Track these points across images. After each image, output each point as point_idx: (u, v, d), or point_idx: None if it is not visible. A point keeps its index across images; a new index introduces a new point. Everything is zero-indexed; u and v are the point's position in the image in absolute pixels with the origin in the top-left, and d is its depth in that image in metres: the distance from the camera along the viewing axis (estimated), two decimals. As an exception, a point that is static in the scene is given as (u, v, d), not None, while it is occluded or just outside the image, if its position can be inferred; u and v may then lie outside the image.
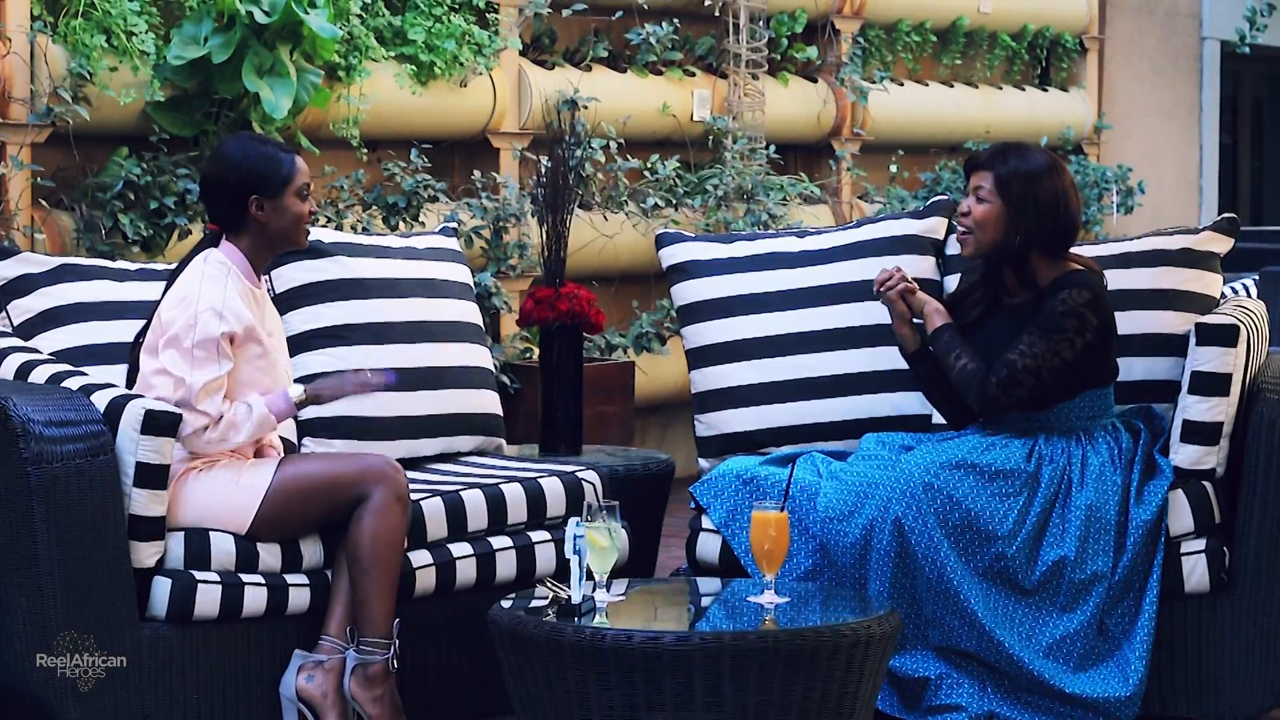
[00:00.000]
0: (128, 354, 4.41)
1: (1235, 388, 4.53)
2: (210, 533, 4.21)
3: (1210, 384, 4.52)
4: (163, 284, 4.50)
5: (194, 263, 4.35)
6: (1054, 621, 4.39)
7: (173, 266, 4.50)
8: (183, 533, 4.20)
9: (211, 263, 4.33)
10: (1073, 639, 4.38)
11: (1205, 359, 4.52)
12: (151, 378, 4.26)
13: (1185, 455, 4.54)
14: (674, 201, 7.84)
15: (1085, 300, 4.45)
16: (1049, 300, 4.47)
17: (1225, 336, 4.52)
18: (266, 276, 4.81)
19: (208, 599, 4.15)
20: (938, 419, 4.84)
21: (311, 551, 4.32)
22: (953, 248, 4.99)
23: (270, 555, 4.26)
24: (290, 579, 4.27)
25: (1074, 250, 4.60)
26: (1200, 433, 4.52)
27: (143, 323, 4.40)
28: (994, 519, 4.38)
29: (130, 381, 4.35)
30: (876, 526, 4.37)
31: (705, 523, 4.66)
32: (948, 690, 4.36)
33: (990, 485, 4.41)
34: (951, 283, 4.93)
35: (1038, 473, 4.45)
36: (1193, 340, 4.56)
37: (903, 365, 4.83)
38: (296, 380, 4.46)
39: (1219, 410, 4.52)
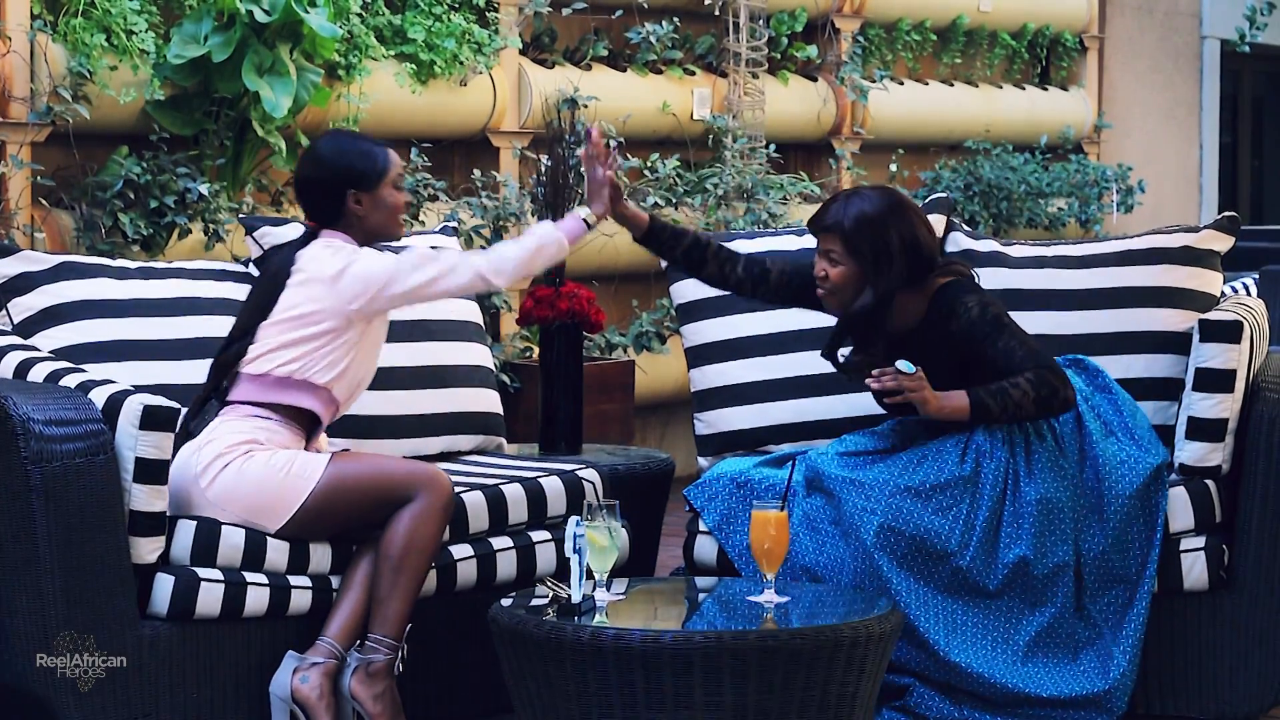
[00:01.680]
0: (221, 349, 4.40)
1: (1240, 384, 4.53)
2: (223, 526, 4.21)
3: (1215, 380, 4.51)
4: (149, 282, 4.50)
5: (316, 244, 4.41)
6: (1027, 618, 4.36)
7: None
8: (195, 522, 4.20)
9: (335, 238, 4.42)
10: (1049, 632, 4.35)
11: (1209, 355, 4.52)
12: (298, 344, 4.31)
13: (1191, 452, 4.54)
14: (674, 200, 7.84)
15: (978, 299, 4.43)
16: (952, 323, 4.41)
17: (1229, 333, 4.52)
18: None
19: (210, 597, 4.14)
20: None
21: (319, 555, 4.31)
22: (952, 245, 5.00)
23: (277, 554, 4.25)
24: (294, 580, 4.27)
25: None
26: (1205, 430, 4.52)
27: (233, 320, 4.44)
28: (940, 536, 4.34)
29: (222, 377, 4.35)
30: (837, 567, 4.39)
31: (702, 525, 4.66)
32: (918, 699, 4.36)
33: (929, 503, 4.37)
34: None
35: (976, 473, 4.40)
36: (1196, 337, 4.56)
37: (902, 364, 4.84)
38: None
39: (1224, 406, 4.51)
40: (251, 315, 4.39)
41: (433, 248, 4.62)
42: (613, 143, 4.55)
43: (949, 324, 4.42)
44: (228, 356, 4.38)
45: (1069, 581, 4.37)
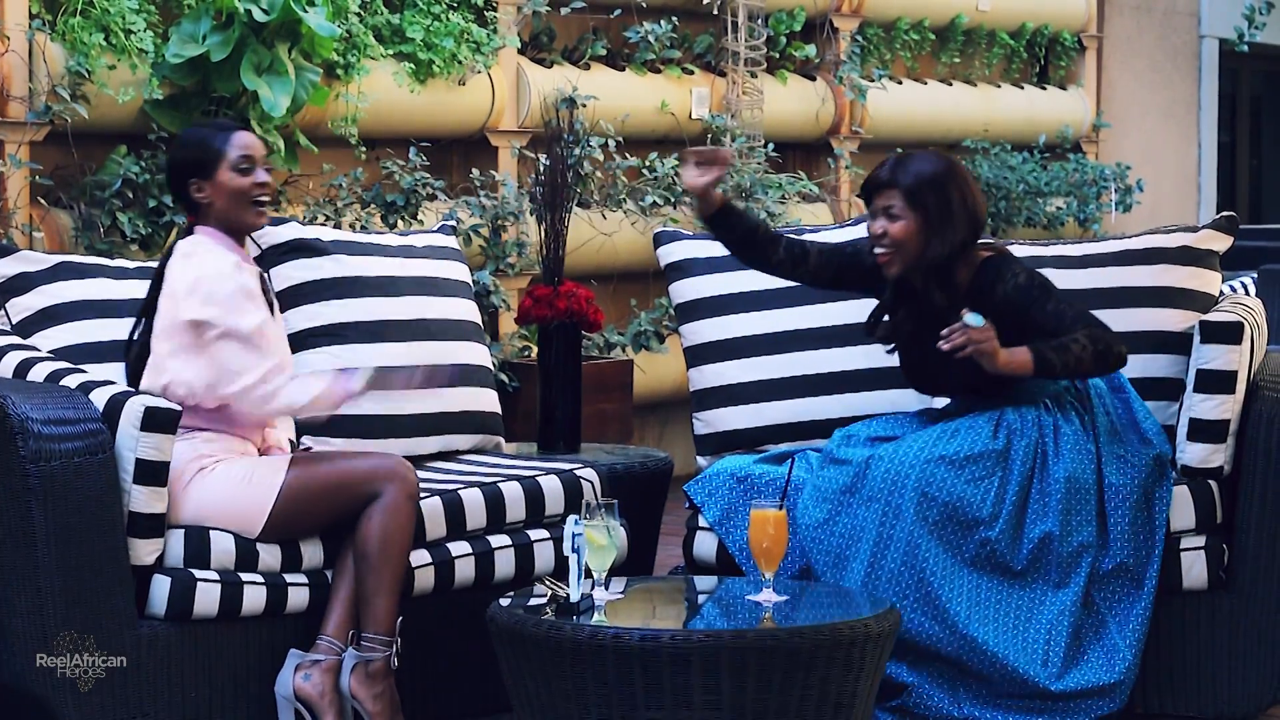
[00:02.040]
0: (124, 353, 4.41)
1: (1240, 385, 4.53)
2: (211, 531, 4.21)
3: (1216, 381, 4.51)
4: (148, 282, 4.50)
5: (177, 251, 4.34)
6: (1050, 600, 4.37)
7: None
8: (183, 530, 4.20)
9: (192, 244, 4.34)
10: (1065, 616, 4.35)
11: (1210, 356, 4.52)
12: (168, 360, 4.25)
13: (1193, 453, 4.54)
14: (672, 200, 7.84)
15: (1023, 267, 4.47)
16: (998, 289, 4.43)
17: (1230, 334, 4.52)
18: (266, 274, 4.80)
19: (207, 598, 4.14)
20: (920, 403, 4.82)
21: (311, 552, 4.32)
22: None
23: (270, 555, 4.26)
24: (289, 579, 4.27)
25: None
26: (1207, 431, 4.52)
27: (132, 321, 4.40)
28: (972, 505, 4.36)
29: (135, 378, 4.34)
30: (853, 536, 4.37)
31: (702, 521, 4.66)
32: (917, 698, 4.35)
33: (963, 472, 4.38)
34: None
35: (1008, 449, 4.42)
36: (1197, 338, 4.56)
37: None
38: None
39: (1225, 407, 4.51)
40: (143, 330, 4.36)
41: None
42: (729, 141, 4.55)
43: (994, 291, 4.44)
44: (129, 358, 4.36)
45: (1087, 564, 4.38)
